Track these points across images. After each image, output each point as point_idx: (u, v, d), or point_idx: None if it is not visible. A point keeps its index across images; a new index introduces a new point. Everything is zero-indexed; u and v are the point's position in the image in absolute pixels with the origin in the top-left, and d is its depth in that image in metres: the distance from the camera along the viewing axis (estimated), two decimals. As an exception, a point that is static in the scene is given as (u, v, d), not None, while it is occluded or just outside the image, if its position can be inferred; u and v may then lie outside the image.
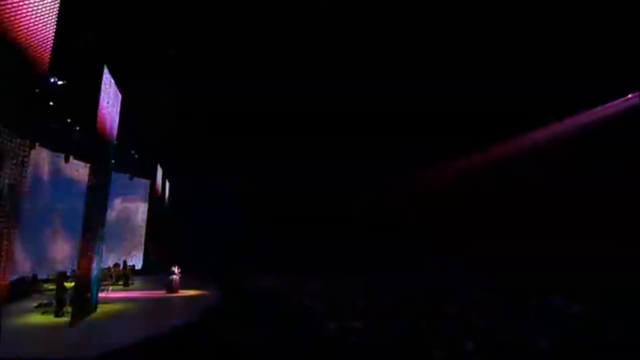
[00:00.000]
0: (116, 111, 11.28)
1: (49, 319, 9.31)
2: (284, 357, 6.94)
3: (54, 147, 13.78)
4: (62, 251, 14.41)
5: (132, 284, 15.29)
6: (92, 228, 9.59)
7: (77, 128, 13.38)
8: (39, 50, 7.74)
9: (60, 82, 10.85)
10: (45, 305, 10.06)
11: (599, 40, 10.96)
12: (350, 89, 14.27)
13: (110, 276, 14.80)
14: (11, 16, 6.88)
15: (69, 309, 9.59)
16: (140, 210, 19.73)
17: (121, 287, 14.61)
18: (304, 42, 11.84)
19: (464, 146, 16.89)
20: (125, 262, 16.15)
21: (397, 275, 15.86)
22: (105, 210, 10.57)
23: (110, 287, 13.32)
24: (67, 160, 14.81)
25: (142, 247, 19.30)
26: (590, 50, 11.24)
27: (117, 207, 18.09)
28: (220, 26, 10.94)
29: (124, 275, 15.18)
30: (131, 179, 18.55)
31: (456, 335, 7.55)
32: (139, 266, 18.80)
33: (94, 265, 9.75)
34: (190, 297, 13.06)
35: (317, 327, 8.66)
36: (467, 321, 8.42)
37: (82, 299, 8.76)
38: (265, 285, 15.22)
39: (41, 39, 7.67)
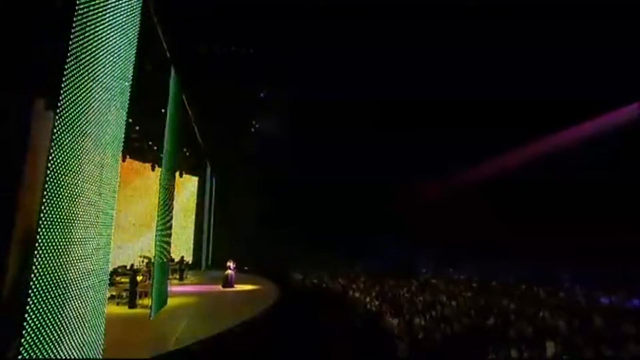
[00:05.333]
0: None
1: (124, 309, 9.77)
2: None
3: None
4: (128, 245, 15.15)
5: (187, 277, 15.83)
6: (164, 225, 9.98)
7: (137, 128, 13.89)
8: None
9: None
10: (118, 297, 10.58)
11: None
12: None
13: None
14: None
15: (140, 301, 10.12)
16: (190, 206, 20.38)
17: (177, 281, 15.13)
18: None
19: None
20: (182, 257, 16.69)
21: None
22: (172, 207, 10.98)
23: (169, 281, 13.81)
24: (123, 160, 15.50)
25: (192, 241, 19.89)
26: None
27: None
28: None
29: (179, 269, 15.71)
30: (181, 175, 19.15)
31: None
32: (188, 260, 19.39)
33: (166, 259, 10.18)
34: (248, 291, 13.40)
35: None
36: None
37: (159, 292, 9.15)
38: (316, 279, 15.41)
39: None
